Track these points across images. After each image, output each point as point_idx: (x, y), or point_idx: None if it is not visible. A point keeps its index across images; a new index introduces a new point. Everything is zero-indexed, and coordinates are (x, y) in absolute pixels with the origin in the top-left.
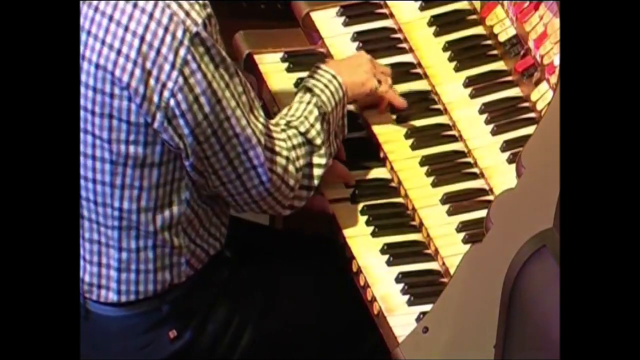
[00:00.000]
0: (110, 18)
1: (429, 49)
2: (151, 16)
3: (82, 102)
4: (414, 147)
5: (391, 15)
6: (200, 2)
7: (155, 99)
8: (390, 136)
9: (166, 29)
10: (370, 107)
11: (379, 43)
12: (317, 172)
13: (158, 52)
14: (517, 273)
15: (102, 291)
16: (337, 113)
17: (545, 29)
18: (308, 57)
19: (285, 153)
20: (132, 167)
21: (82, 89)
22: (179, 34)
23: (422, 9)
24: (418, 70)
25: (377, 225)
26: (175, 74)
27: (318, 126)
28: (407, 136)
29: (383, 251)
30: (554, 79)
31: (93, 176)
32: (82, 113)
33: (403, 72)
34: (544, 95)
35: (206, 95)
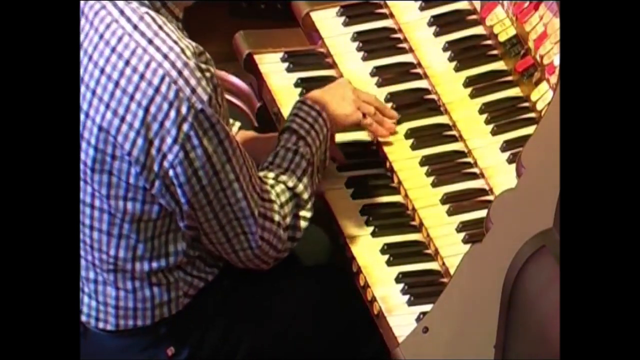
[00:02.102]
0: (116, 84)
1: (429, 49)
2: (157, 90)
3: (82, 156)
4: (414, 147)
5: (391, 15)
6: (207, 74)
7: (155, 168)
8: (390, 136)
9: (171, 104)
10: None
11: (379, 43)
12: (303, 224)
13: (161, 125)
14: (517, 273)
15: (100, 323)
16: (321, 151)
17: (545, 29)
18: (308, 57)
19: (276, 218)
20: (129, 222)
21: (83, 144)
22: (184, 110)
23: (422, 9)
24: (418, 70)
25: (377, 225)
26: (176, 148)
27: (305, 179)
28: (407, 136)
29: (383, 251)
30: (554, 79)
31: (90, 223)
32: (81, 167)
33: (403, 72)
34: (544, 95)
35: (205, 169)
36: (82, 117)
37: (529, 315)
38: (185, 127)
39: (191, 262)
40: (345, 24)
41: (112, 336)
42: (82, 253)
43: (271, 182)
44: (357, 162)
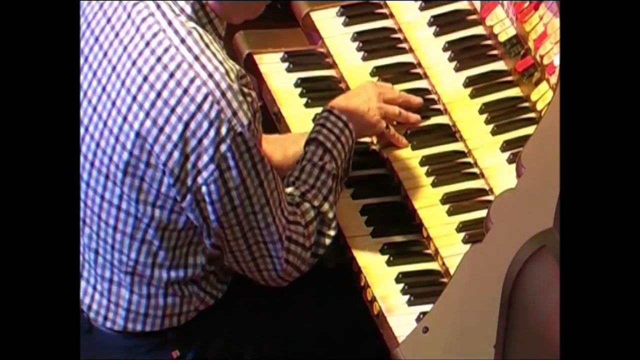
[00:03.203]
0: (159, 94)
1: (429, 49)
2: (199, 107)
3: (115, 158)
4: (414, 147)
5: (391, 15)
6: (249, 99)
7: (189, 182)
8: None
9: (211, 123)
10: None
11: (379, 43)
12: (327, 241)
13: (200, 142)
14: (517, 273)
15: (108, 322)
16: (345, 161)
17: (545, 29)
18: (308, 57)
19: (301, 240)
20: (154, 228)
21: (117, 147)
22: (223, 131)
23: (422, 9)
24: (418, 70)
25: (377, 225)
26: (212, 166)
27: (331, 198)
28: (407, 136)
29: (383, 251)
30: (554, 79)
31: (115, 224)
32: (112, 168)
33: (403, 72)
34: (544, 95)
35: (238, 191)
36: (119, 120)
37: (529, 315)
38: (223, 147)
39: (206, 277)
40: (345, 24)
41: (118, 336)
42: (101, 251)
43: (297, 200)
44: (357, 162)
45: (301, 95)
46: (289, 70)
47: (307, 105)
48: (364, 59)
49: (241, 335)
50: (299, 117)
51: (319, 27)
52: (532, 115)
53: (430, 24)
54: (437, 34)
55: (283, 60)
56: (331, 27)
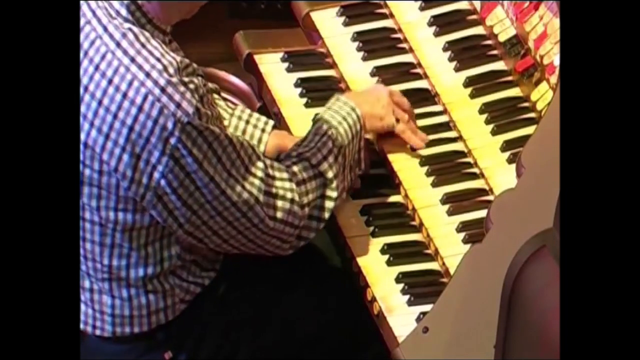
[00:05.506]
0: (100, 103)
1: (429, 49)
2: (140, 109)
3: None
4: (413, 148)
5: (391, 15)
6: (192, 86)
7: (145, 180)
8: (390, 136)
9: (155, 122)
10: None
11: (379, 43)
12: (328, 204)
13: (147, 140)
14: (517, 273)
15: (97, 330)
16: (354, 146)
17: (545, 29)
18: (308, 57)
19: (289, 195)
20: (121, 231)
21: None
22: (170, 125)
23: (422, 9)
24: (418, 70)
25: (377, 225)
26: (165, 159)
27: (331, 159)
28: None
29: (383, 251)
30: (554, 79)
31: (82, 235)
32: None
33: (403, 72)
34: (544, 95)
35: (198, 174)
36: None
37: (528, 315)
38: (172, 140)
39: (187, 268)
40: (345, 24)
41: (109, 342)
42: None
43: (293, 159)
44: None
45: (301, 95)
46: (289, 70)
47: (307, 105)
48: (364, 59)
49: (234, 335)
50: (299, 117)
51: (319, 27)
52: (532, 115)
53: (430, 24)
54: (437, 34)
55: (283, 60)
56: (331, 27)
